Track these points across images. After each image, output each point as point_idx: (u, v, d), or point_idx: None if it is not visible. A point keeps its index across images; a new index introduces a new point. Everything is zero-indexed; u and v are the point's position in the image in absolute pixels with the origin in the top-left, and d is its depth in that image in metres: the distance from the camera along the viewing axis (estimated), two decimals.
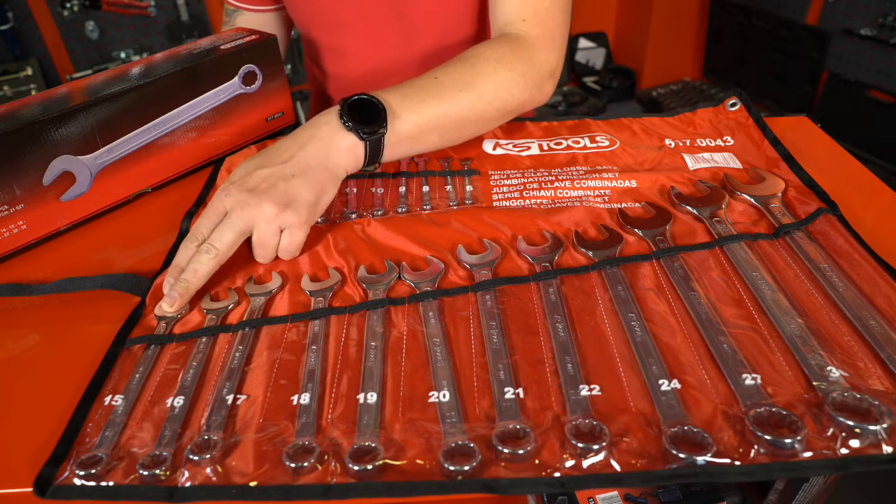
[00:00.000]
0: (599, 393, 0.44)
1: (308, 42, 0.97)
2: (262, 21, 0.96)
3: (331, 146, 0.62)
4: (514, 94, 0.73)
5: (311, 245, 0.63)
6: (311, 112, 1.12)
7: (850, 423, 0.39)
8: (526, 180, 0.72)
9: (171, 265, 0.58)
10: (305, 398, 0.46)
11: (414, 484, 0.40)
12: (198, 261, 0.56)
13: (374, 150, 0.64)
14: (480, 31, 0.91)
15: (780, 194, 0.63)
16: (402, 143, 0.66)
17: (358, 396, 0.46)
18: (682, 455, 0.39)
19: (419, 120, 0.66)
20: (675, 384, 0.44)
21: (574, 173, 0.72)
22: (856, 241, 0.56)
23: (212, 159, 0.80)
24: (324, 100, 1.03)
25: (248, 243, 0.60)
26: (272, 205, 0.57)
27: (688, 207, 0.63)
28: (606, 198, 0.67)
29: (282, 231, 0.59)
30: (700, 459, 0.38)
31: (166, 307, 0.55)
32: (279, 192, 0.58)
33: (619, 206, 0.65)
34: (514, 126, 0.84)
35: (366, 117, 0.62)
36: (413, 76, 0.72)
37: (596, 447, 0.40)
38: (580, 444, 0.40)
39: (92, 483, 0.41)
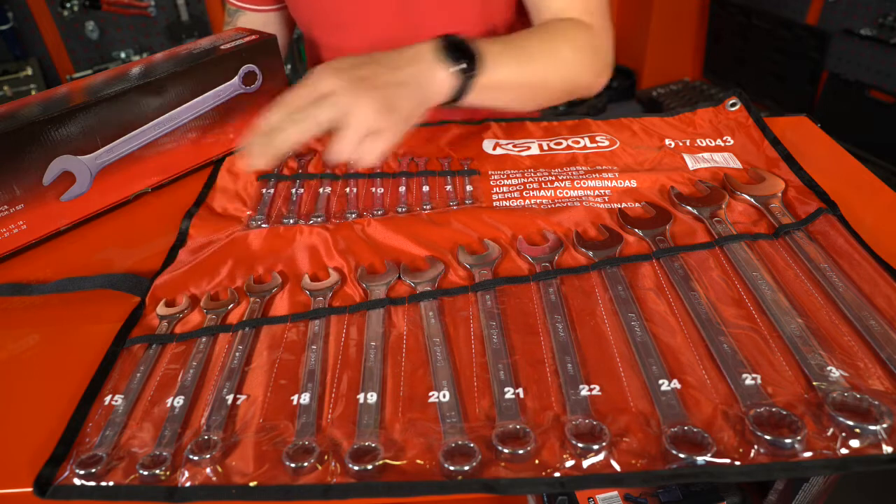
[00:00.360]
0: (599, 393, 0.44)
1: (310, 42, 0.97)
2: (263, 21, 0.97)
3: (431, 75, 0.61)
4: (582, 77, 0.75)
5: (311, 245, 0.63)
6: None
7: (850, 423, 0.39)
8: (526, 180, 0.72)
9: (255, 129, 0.54)
10: (305, 398, 0.46)
11: (414, 484, 0.40)
12: (288, 129, 0.52)
13: (460, 91, 0.64)
14: (484, 33, 0.91)
15: (780, 194, 0.63)
16: (483, 93, 0.66)
17: (358, 396, 0.46)
18: (682, 455, 0.39)
19: (502, 76, 0.66)
20: (675, 384, 0.44)
21: (574, 173, 0.72)
22: (856, 241, 0.56)
23: (212, 159, 0.80)
24: None
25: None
26: (377, 102, 0.54)
27: (688, 207, 0.63)
28: (606, 198, 0.67)
29: (365, 136, 0.55)
30: (700, 459, 0.38)
31: (253, 162, 0.51)
32: (387, 94, 0.55)
33: (619, 206, 0.65)
34: (514, 126, 0.84)
35: (460, 57, 0.62)
36: None
37: (596, 447, 0.40)
38: (580, 445, 0.40)
39: (92, 483, 0.41)
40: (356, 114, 0.53)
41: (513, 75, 0.68)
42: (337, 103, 0.53)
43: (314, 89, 0.54)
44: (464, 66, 0.62)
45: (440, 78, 0.61)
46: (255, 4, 0.95)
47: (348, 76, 0.54)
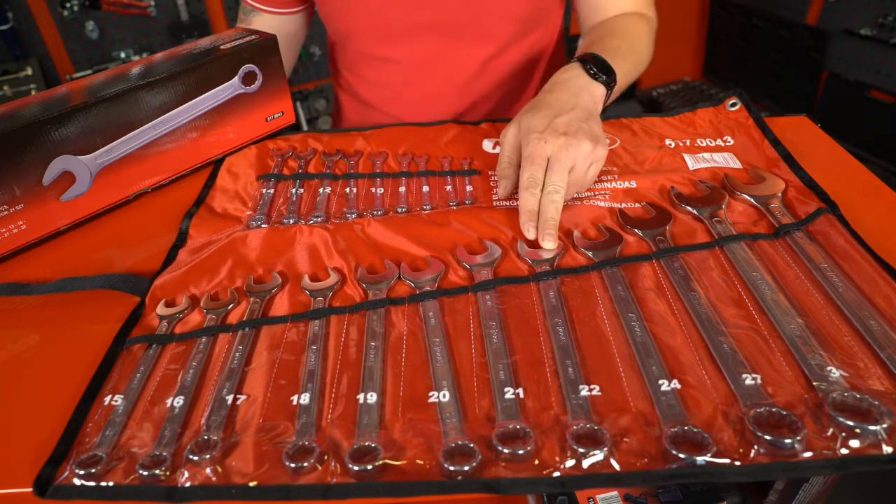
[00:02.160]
0: (599, 393, 0.44)
1: (344, 48, 0.96)
2: (280, 23, 0.96)
3: (592, 95, 0.70)
4: (648, 62, 0.88)
5: (311, 245, 0.63)
6: (336, 115, 1.12)
7: (850, 423, 0.39)
8: None
9: (523, 211, 0.61)
10: (305, 398, 0.46)
11: (414, 484, 0.40)
12: (554, 201, 0.60)
13: (607, 98, 0.73)
14: (537, 37, 0.95)
15: (780, 194, 0.63)
16: (612, 95, 0.75)
17: (358, 396, 0.46)
18: (682, 455, 0.39)
19: (620, 79, 0.76)
20: (675, 384, 0.44)
21: None
22: (856, 241, 0.56)
23: (212, 159, 0.80)
24: (359, 105, 1.02)
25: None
26: (588, 142, 0.62)
27: (688, 207, 0.63)
28: (606, 198, 0.67)
29: (590, 166, 0.64)
30: (700, 459, 0.38)
31: (549, 245, 0.59)
32: (587, 132, 0.63)
33: (619, 206, 0.65)
34: None
35: (601, 72, 0.72)
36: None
37: (597, 452, 0.40)
38: (581, 449, 0.40)
39: (92, 483, 0.41)
40: (578, 158, 0.62)
41: (623, 78, 0.77)
42: (562, 160, 0.61)
43: (537, 158, 0.62)
44: (608, 79, 0.72)
45: (598, 95, 0.72)
46: (274, 7, 0.94)
47: (552, 136, 0.62)
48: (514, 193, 0.66)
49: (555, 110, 0.65)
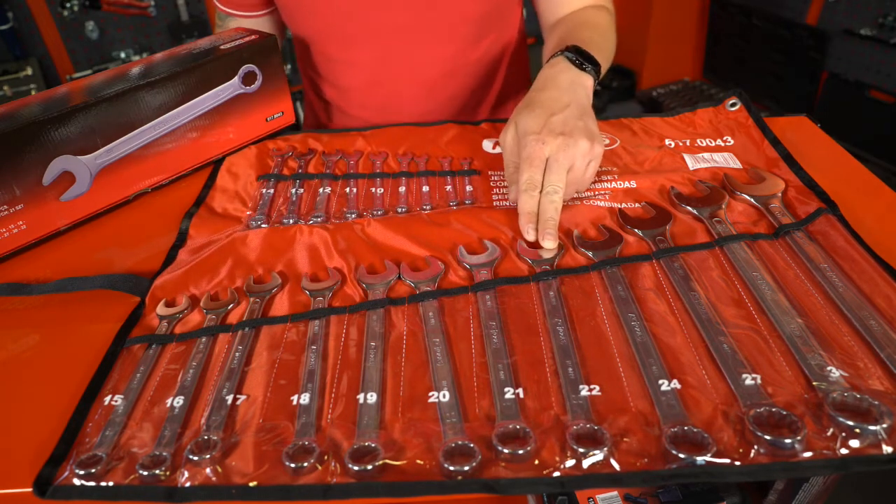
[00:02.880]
0: (599, 393, 0.44)
1: (307, 51, 0.97)
2: (253, 26, 0.96)
3: (584, 87, 0.70)
4: (614, 51, 0.86)
5: (311, 245, 0.63)
6: (307, 113, 1.12)
7: (850, 423, 0.39)
8: None
9: (522, 213, 0.61)
10: (305, 398, 0.46)
11: (414, 484, 0.40)
12: (553, 201, 0.60)
13: (594, 86, 0.73)
14: (495, 37, 0.95)
15: (780, 194, 0.63)
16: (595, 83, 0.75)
17: (358, 396, 0.46)
18: (682, 455, 0.39)
19: (601, 68, 0.75)
20: (675, 384, 0.44)
21: None
22: (856, 241, 0.56)
23: (212, 159, 0.80)
24: (323, 104, 1.03)
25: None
26: (586, 141, 0.62)
27: (688, 207, 0.63)
28: (606, 198, 0.67)
29: (588, 164, 0.64)
30: (700, 459, 0.38)
31: (550, 244, 0.59)
32: (583, 130, 0.63)
33: (619, 206, 0.65)
34: None
35: (586, 62, 0.72)
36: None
37: (596, 452, 0.40)
38: (581, 449, 0.40)
39: (91, 483, 0.41)
40: (576, 157, 0.62)
41: (603, 68, 0.77)
42: (560, 160, 0.61)
43: (535, 160, 0.62)
44: (594, 68, 0.72)
45: (589, 86, 0.71)
46: (245, 10, 0.95)
47: (550, 137, 0.62)
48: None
49: (549, 109, 0.65)
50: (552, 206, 0.60)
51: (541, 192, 0.61)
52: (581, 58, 0.72)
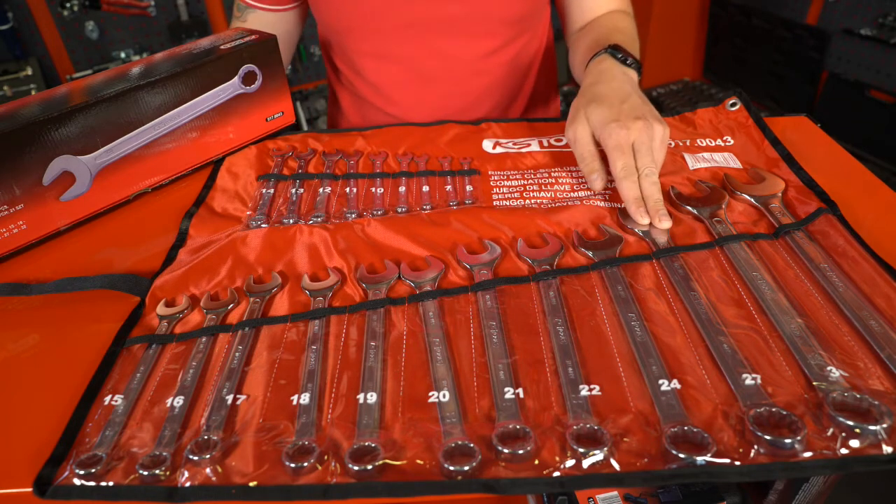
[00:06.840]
0: (599, 393, 0.44)
1: (338, 46, 0.96)
2: (275, 20, 0.96)
3: (633, 80, 0.74)
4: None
5: (311, 245, 0.63)
6: (331, 110, 1.12)
7: (850, 423, 0.39)
8: (526, 181, 0.72)
9: (628, 199, 0.62)
10: (305, 398, 0.46)
11: (414, 484, 0.40)
12: (654, 182, 0.63)
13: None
14: (530, 35, 0.96)
15: (780, 194, 0.63)
16: None
17: (358, 396, 0.46)
18: (682, 455, 0.39)
19: (641, 66, 0.79)
20: (675, 384, 0.44)
21: (574, 173, 0.72)
22: (856, 241, 0.56)
23: (212, 159, 0.80)
24: (358, 102, 1.02)
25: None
26: (658, 124, 0.66)
27: (688, 207, 0.63)
28: (607, 197, 0.67)
29: (661, 146, 0.66)
30: (700, 459, 0.38)
31: (666, 224, 0.60)
32: (653, 114, 0.67)
33: (619, 205, 0.65)
34: (514, 125, 0.84)
35: (629, 58, 0.76)
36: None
37: (597, 452, 0.40)
38: (581, 449, 0.40)
39: (91, 483, 0.41)
40: (654, 139, 0.65)
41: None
42: (646, 142, 0.65)
43: (624, 147, 0.64)
44: (638, 64, 0.77)
45: (636, 79, 0.76)
46: (269, 4, 0.94)
47: (631, 122, 0.65)
48: (610, 181, 0.68)
49: (618, 98, 0.68)
50: (654, 188, 0.62)
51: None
52: (625, 55, 0.76)
